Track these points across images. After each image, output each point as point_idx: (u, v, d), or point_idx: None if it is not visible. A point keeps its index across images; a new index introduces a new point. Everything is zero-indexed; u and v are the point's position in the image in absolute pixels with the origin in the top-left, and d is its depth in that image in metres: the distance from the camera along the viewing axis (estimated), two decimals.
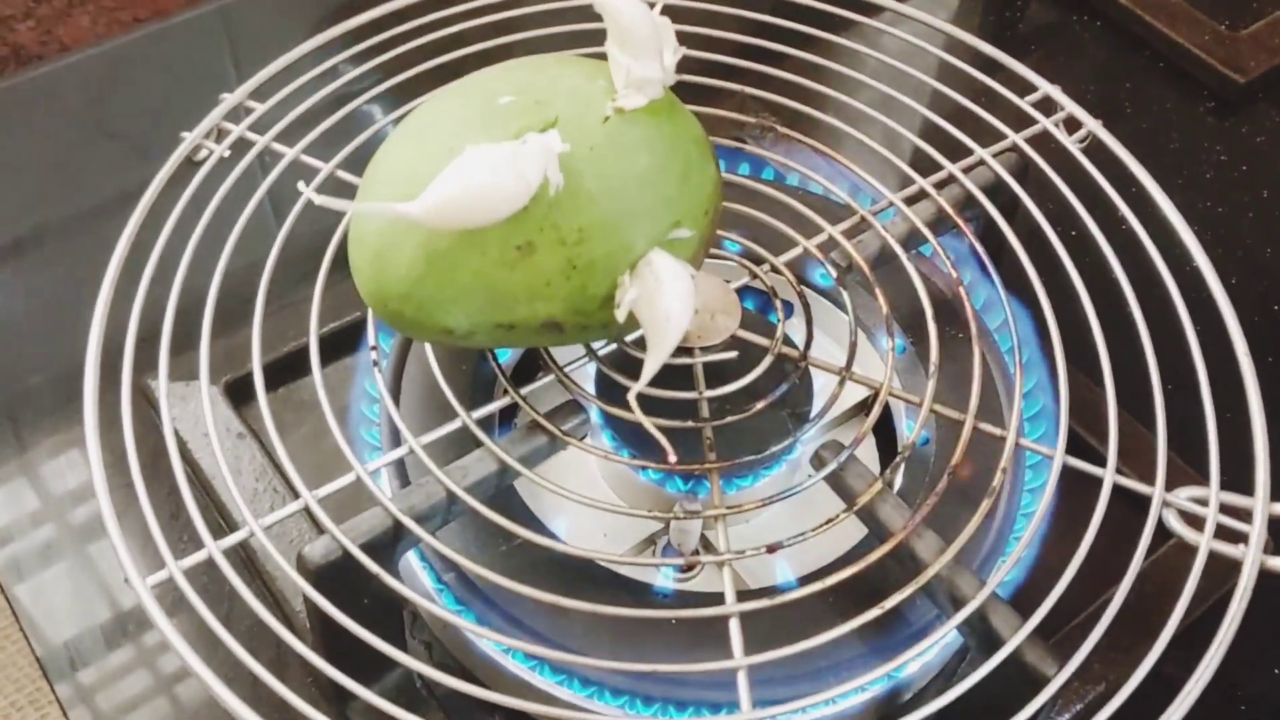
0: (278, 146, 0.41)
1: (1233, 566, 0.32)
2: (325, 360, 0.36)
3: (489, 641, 0.34)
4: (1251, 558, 0.32)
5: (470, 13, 0.44)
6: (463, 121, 0.30)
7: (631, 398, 0.30)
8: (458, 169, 0.28)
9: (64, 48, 0.59)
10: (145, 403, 0.43)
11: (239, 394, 0.44)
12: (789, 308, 0.38)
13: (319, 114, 0.42)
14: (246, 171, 0.40)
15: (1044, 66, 0.45)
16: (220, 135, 0.41)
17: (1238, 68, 0.60)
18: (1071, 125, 0.44)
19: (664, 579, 0.37)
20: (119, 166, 0.54)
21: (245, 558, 0.39)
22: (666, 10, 0.33)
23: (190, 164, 0.41)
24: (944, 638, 0.31)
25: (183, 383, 0.43)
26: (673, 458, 0.31)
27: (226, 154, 0.41)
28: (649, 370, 0.30)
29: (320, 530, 0.32)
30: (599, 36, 0.32)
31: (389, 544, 0.32)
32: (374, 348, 0.36)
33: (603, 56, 0.32)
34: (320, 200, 0.28)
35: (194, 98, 0.43)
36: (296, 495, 0.33)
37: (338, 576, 0.31)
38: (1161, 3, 0.64)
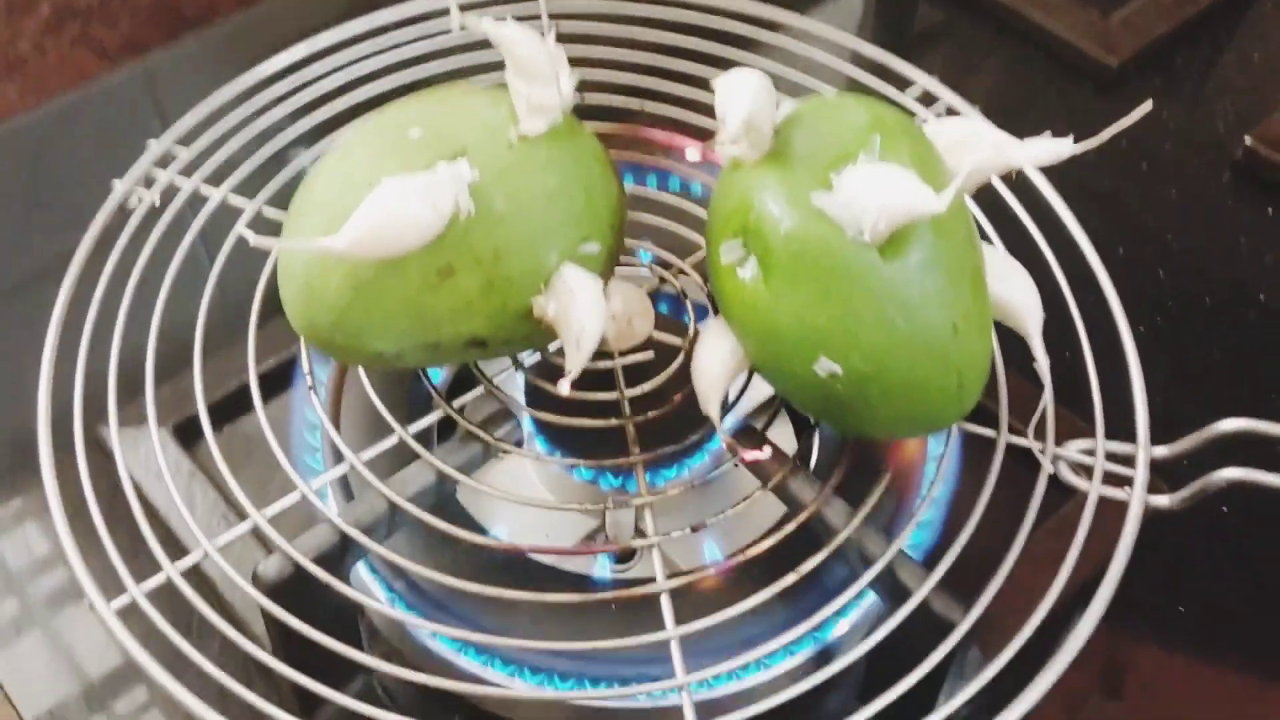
0: (205, 189, 0.43)
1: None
2: (266, 396, 0.38)
3: (441, 640, 0.36)
4: (1137, 497, 0.35)
5: (382, 49, 0.46)
6: (378, 155, 0.32)
7: (564, 386, 0.32)
8: (373, 202, 0.30)
9: None
10: (99, 451, 0.44)
11: (187, 434, 0.45)
12: (700, 308, 0.40)
13: (244, 155, 0.44)
14: (179, 217, 0.42)
15: (934, 65, 0.48)
16: (150, 182, 0.43)
17: (1111, 51, 0.64)
18: (953, 115, 0.47)
19: (601, 569, 0.39)
20: (55, 231, 0.55)
21: (206, 586, 0.41)
22: (574, 36, 0.35)
23: (123, 213, 0.42)
24: (856, 595, 0.33)
25: (133, 428, 0.45)
26: None
27: (156, 201, 0.42)
28: (568, 377, 0.32)
29: (271, 549, 0.34)
30: (502, 65, 0.34)
31: (338, 556, 0.34)
32: (309, 373, 0.38)
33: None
34: (254, 240, 0.30)
35: (124, 157, 0.45)
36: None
37: (293, 590, 0.33)
38: None
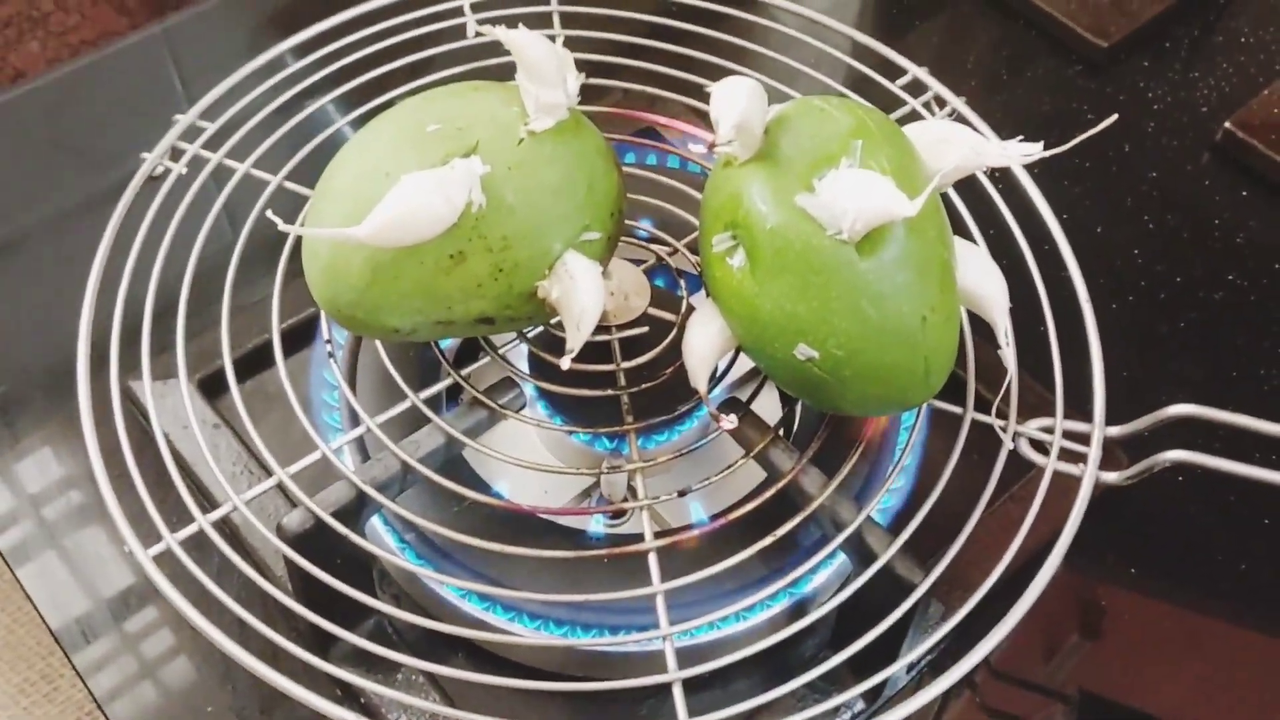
0: (230, 162, 0.46)
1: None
2: (286, 353, 0.41)
3: (447, 587, 0.40)
4: (1089, 474, 0.39)
5: (398, 27, 0.49)
6: (397, 147, 0.35)
7: (565, 363, 0.35)
8: (394, 196, 0.33)
9: (18, 73, 0.62)
10: (127, 401, 0.47)
11: (210, 389, 0.48)
12: (693, 280, 0.43)
13: (265, 128, 0.46)
14: (203, 184, 0.45)
15: (927, 42, 0.50)
16: (176, 155, 0.46)
17: (1101, 33, 0.66)
18: (940, 103, 0.49)
19: (595, 524, 0.42)
20: (77, 181, 0.58)
21: (230, 533, 0.44)
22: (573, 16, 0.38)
23: (149, 180, 0.45)
24: (827, 556, 0.37)
25: (160, 381, 0.48)
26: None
27: (184, 171, 0.45)
28: (569, 353, 0.35)
29: (294, 503, 0.37)
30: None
31: (355, 511, 0.37)
32: (328, 341, 0.41)
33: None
34: (282, 226, 0.33)
35: (144, 113, 0.47)
36: (270, 474, 0.38)
37: (313, 541, 0.36)
38: None
